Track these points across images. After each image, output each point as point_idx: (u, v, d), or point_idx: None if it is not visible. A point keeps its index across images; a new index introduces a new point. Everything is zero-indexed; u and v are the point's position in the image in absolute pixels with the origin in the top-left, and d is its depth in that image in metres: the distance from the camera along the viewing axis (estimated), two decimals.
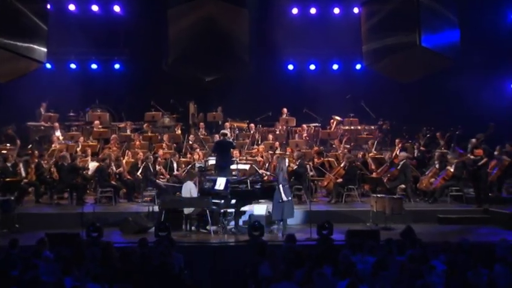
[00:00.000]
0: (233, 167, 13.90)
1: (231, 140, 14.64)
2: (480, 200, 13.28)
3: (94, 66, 19.80)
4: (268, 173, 14.51)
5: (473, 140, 15.56)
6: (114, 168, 14.30)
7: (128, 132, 17.66)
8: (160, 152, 15.81)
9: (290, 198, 11.18)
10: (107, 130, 17.42)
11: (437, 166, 14.33)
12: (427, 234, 10.95)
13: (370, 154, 15.97)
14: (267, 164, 15.24)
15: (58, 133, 17.09)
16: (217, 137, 17.01)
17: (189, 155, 16.13)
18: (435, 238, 10.51)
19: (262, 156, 15.98)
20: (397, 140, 16.48)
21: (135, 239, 9.30)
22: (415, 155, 15.65)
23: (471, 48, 16.23)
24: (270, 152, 16.13)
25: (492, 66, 17.57)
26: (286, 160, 11.41)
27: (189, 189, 11.99)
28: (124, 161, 15.13)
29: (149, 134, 17.44)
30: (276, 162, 14.35)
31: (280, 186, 11.10)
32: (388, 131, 17.87)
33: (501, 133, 15.07)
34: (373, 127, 18.35)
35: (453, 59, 15.53)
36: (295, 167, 14.09)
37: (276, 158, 14.66)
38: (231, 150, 14.31)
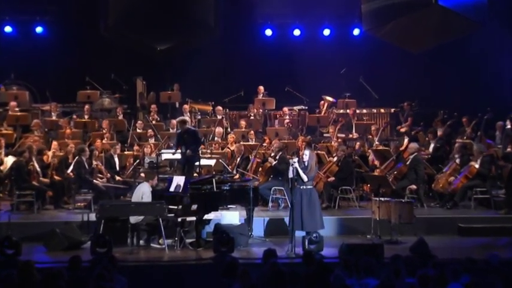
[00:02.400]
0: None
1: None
2: None
3: (8, 29, 19.45)
4: (241, 170, 14.49)
5: (500, 124, 15.67)
6: (36, 165, 14.12)
7: (55, 116, 17.45)
8: (98, 143, 15.66)
9: (305, 202, 11.10)
10: (27, 114, 17.21)
11: (457, 161, 14.44)
12: (444, 248, 11.02)
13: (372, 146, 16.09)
14: (238, 159, 15.21)
15: None
16: (174, 123, 16.98)
17: (136, 147, 16.03)
18: (455, 254, 10.56)
19: (231, 149, 15.95)
20: (403, 128, 16.56)
21: (65, 258, 9.15)
22: (431, 147, 15.72)
23: (501, 5, 16.32)
24: (242, 142, 16.09)
25: None
26: (307, 152, 11.34)
27: (141, 194, 11.89)
28: (50, 155, 14.96)
29: (83, 119, 17.24)
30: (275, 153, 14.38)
31: (302, 187, 11.07)
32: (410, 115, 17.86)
33: None
34: (383, 110, 18.44)
35: (479, 23, 15.59)
36: (274, 162, 14.08)
37: (276, 146, 14.56)
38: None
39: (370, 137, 16.84)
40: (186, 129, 14.01)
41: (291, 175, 11.16)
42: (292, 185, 11.11)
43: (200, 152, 14.21)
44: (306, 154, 11.29)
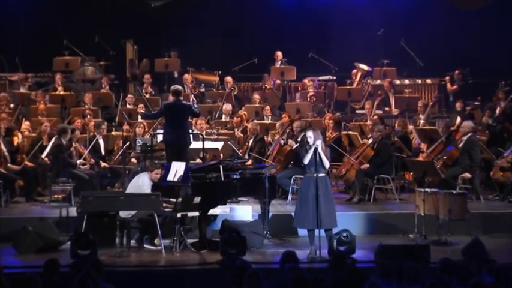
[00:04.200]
0: (196, 145, 13.88)
1: (190, 102, 14.56)
2: None
3: None
4: (255, 155, 14.49)
5: None
6: (3, 148, 14.18)
7: (26, 89, 17.50)
8: (79, 121, 15.69)
9: (322, 193, 11.07)
10: None
11: None
12: (504, 251, 11.03)
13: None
14: (250, 141, 15.20)
15: None
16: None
17: (125, 127, 16.04)
18: None
19: (242, 129, 15.94)
20: (458, 103, 16.45)
21: (39, 261, 9.21)
22: (489, 126, 15.66)
23: None
24: (255, 121, 16.07)
25: None
26: (311, 134, 11.25)
27: (139, 187, 11.88)
28: (20, 136, 14.99)
29: (60, 92, 17.27)
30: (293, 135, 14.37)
31: (316, 174, 11.02)
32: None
33: None
34: (429, 81, 18.35)
35: None
36: (295, 145, 14.06)
37: (297, 125, 14.54)
38: (190, 118, 14.21)
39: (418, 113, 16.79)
40: (177, 102, 13.71)
41: (307, 161, 11.08)
42: (317, 171, 11.02)
43: (202, 134, 14.16)
44: (310, 136, 11.18)
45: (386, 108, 17.51)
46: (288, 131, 14.95)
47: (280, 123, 15.21)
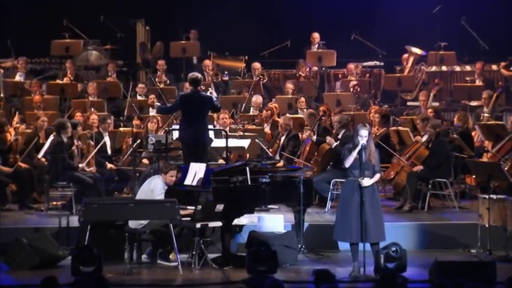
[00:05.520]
0: (218, 143, 13.93)
1: (209, 94, 14.59)
2: None
3: None
4: (287, 155, 14.49)
5: None
6: None
7: (21, 77, 17.66)
8: (79, 115, 15.77)
9: (368, 201, 11.06)
10: None
11: None
12: None
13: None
14: (282, 139, 15.21)
15: None
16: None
17: (135, 122, 16.10)
18: None
19: (272, 125, 15.96)
20: None
21: (35, 279, 9.35)
22: None
23: None
24: (287, 115, 16.07)
25: None
26: (365, 133, 11.20)
27: (151, 191, 11.91)
28: (12, 132, 15.07)
29: (60, 80, 17.34)
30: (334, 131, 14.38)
31: (361, 180, 11.02)
32: None
33: None
34: (495, 67, 18.31)
35: None
36: (335, 143, 14.06)
37: (337, 120, 14.53)
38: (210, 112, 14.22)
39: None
40: (195, 93, 13.69)
41: (348, 164, 11.04)
42: (362, 174, 11.00)
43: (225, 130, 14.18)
44: (365, 135, 11.13)
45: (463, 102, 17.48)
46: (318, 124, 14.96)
47: (308, 113, 15.08)
